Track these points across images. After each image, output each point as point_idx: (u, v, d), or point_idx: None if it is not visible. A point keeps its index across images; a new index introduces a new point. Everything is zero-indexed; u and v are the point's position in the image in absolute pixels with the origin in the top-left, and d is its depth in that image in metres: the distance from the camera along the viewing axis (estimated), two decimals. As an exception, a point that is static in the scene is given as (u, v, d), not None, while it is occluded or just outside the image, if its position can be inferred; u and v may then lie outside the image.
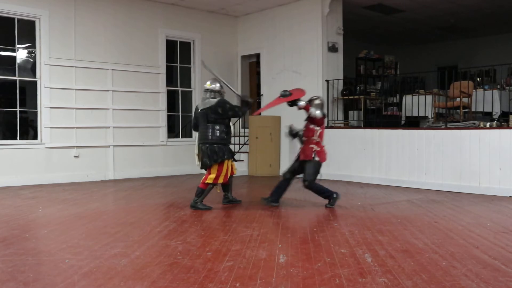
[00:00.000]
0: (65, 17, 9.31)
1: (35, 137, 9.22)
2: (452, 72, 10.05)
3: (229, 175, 6.33)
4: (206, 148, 6.18)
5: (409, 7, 11.15)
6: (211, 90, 6.36)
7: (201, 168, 6.37)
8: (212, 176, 6.17)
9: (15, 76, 9.11)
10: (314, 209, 6.34)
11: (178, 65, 11.13)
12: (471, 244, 4.39)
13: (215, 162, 6.15)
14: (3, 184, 8.48)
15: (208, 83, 6.42)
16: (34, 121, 9.35)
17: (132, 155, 10.07)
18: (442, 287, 3.24)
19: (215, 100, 6.26)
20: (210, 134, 6.21)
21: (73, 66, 9.37)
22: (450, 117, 9.11)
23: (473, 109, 9.17)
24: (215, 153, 6.15)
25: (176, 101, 11.27)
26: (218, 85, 6.38)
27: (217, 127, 6.21)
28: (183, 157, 10.80)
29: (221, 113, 6.18)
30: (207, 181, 6.18)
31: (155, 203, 6.85)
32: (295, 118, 10.52)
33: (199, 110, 6.34)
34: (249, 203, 6.81)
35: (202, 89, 6.38)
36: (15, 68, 9.17)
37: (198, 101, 6.40)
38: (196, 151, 6.43)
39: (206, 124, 6.24)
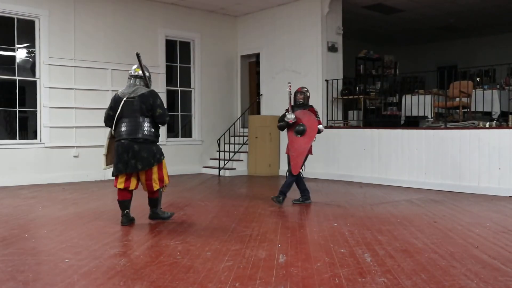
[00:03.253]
0: (65, 17, 9.31)
1: (34, 137, 9.20)
2: (452, 72, 10.05)
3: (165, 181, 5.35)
4: (139, 148, 5.02)
5: (409, 7, 11.15)
6: (141, 77, 5.26)
7: (116, 174, 5.13)
8: (156, 179, 5.18)
9: (14, 75, 9.10)
10: (314, 209, 6.34)
11: (178, 64, 11.14)
12: (471, 244, 4.39)
13: (155, 164, 5.11)
14: (3, 184, 8.48)
15: (136, 67, 5.29)
16: (34, 120, 9.33)
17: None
18: (441, 287, 3.24)
19: (148, 89, 5.21)
20: (144, 129, 5.07)
21: (72, 66, 9.37)
22: (450, 117, 9.12)
23: (472, 109, 9.17)
24: (153, 154, 5.09)
25: (176, 100, 11.27)
26: (147, 73, 5.31)
27: (150, 121, 5.14)
28: (182, 157, 10.81)
29: (151, 105, 5.09)
30: (156, 188, 5.21)
31: (155, 203, 6.84)
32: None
33: (125, 99, 5.11)
34: (248, 203, 6.80)
35: (127, 75, 5.33)
36: (15, 67, 9.17)
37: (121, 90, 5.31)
38: (104, 151, 5.38)
39: (135, 117, 5.07)
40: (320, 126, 6.50)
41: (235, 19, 11.88)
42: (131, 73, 5.32)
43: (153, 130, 5.16)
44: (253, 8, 11.09)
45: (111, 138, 5.33)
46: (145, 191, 5.31)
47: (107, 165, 5.42)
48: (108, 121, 5.28)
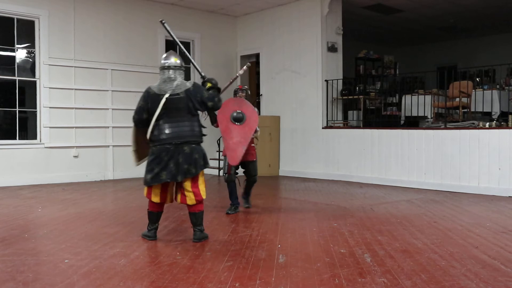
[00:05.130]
0: (65, 17, 9.30)
1: (34, 137, 9.21)
2: (452, 72, 10.05)
3: None
4: (190, 150, 4.39)
5: (409, 7, 11.15)
6: (179, 68, 4.58)
7: (154, 183, 4.42)
8: (203, 188, 4.53)
9: (14, 76, 9.10)
10: (313, 209, 6.34)
11: (178, 65, 11.11)
12: (471, 244, 4.39)
13: (206, 166, 4.56)
14: (2, 184, 8.48)
15: (174, 58, 4.56)
16: (33, 120, 9.33)
17: (131, 155, 10.03)
18: (441, 287, 3.24)
19: (190, 82, 4.55)
20: (194, 130, 4.48)
21: (72, 66, 9.37)
22: (450, 117, 9.12)
23: (472, 109, 9.18)
24: (203, 156, 4.51)
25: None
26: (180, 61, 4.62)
27: (198, 119, 4.57)
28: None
29: (201, 101, 4.46)
30: (203, 197, 4.51)
31: (155, 203, 6.84)
32: (295, 118, 10.55)
33: (166, 97, 4.39)
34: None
35: (160, 65, 4.56)
36: (15, 68, 9.16)
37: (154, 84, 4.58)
38: (134, 146, 4.71)
39: (181, 117, 4.43)
40: (257, 129, 5.97)
41: (235, 19, 11.88)
42: (167, 64, 4.52)
43: (201, 129, 4.56)
44: (253, 8, 11.08)
45: (138, 135, 4.64)
46: (183, 203, 4.49)
47: (139, 160, 4.76)
48: (142, 125, 4.52)
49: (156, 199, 4.50)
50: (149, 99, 4.44)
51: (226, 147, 5.72)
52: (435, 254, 4.04)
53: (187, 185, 4.42)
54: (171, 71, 4.50)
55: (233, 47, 11.94)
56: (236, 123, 5.77)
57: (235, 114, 5.78)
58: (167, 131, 4.38)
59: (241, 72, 5.87)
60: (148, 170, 4.42)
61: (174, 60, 4.54)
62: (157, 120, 4.39)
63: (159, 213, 4.62)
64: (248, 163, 6.08)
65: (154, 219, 4.59)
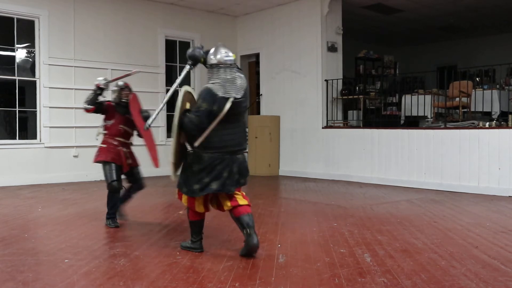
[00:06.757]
0: (65, 16, 9.30)
1: (34, 137, 9.21)
2: (452, 72, 10.05)
3: None
4: (243, 158, 4.06)
5: (408, 7, 11.15)
6: (237, 67, 4.05)
7: (203, 194, 3.93)
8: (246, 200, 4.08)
9: (14, 75, 9.10)
10: (313, 209, 6.34)
11: (178, 64, 11.13)
12: (471, 244, 4.39)
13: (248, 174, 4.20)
14: (2, 184, 8.47)
15: (231, 52, 3.98)
16: (33, 120, 9.33)
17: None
18: (441, 287, 3.24)
19: (245, 80, 4.02)
20: (246, 134, 4.16)
21: (72, 66, 9.37)
22: (450, 117, 9.12)
23: (472, 109, 9.18)
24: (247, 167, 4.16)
25: (176, 101, 11.24)
26: None
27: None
28: (182, 157, 10.79)
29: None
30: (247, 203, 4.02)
31: (155, 203, 6.85)
32: (295, 118, 10.55)
33: (237, 99, 3.86)
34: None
35: (221, 61, 3.90)
36: (15, 67, 9.17)
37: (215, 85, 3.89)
38: (173, 159, 3.98)
39: (238, 121, 4.01)
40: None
41: (234, 19, 11.88)
42: (229, 60, 3.94)
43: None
44: (253, 8, 11.08)
45: (179, 143, 4.01)
46: (235, 205, 4.00)
47: (176, 171, 4.10)
48: (199, 129, 3.85)
49: (200, 208, 4.03)
50: (216, 103, 3.81)
51: (149, 147, 5.15)
52: (435, 254, 4.04)
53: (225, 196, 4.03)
54: (234, 69, 3.94)
55: (233, 47, 11.92)
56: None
57: (145, 113, 5.21)
58: (225, 138, 3.88)
59: (133, 73, 5.47)
60: (197, 179, 3.89)
61: (233, 56, 3.97)
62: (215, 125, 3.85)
63: (203, 221, 4.15)
64: (133, 168, 5.37)
65: (198, 228, 4.11)
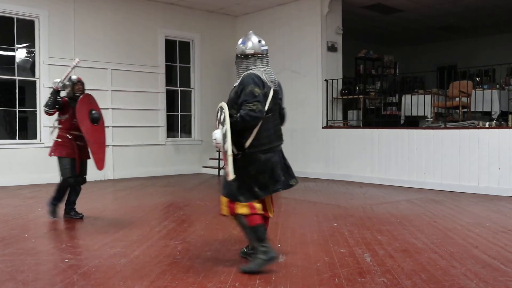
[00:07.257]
0: (64, 16, 9.30)
1: (34, 136, 9.21)
2: (452, 71, 10.05)
3: None
4: (283, 155, 3.77)
5: (408, 7, 11.15)
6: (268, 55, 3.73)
7: (259, 197, 3.61)
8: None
9: (14, 75, 9.10)
10: (313, 209, 6.34)
11: (178, 64, 11.13)
12: (470, 244, 4.39)
13: None
14: (2, 184, 8.47)
15: (262, 41, 3.80)
16: (33, 120, 9.33)
17: (131, 155, 10.05)
18: (441, 287, 3.24)
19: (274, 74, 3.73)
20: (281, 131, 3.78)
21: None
22: (449, 116, 9.12)
23: (472, 109, 9.18)
24: None
25: (176, 100, 11.27)
26: None
27: None
28: (182, 157, 10.80)
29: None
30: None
31: (155, 203, 6.85)
32: (295, 118, 10.54)
33: (274, 88, 3.63)
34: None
35: (257, 51, 3.71)
36: (14, 67, 9.16)
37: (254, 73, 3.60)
38: (231, 157, 3.38)
39: (277, 112, 3.71)
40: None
41: (234, 19, 11.88)
42: (265, 50, 3.73)
43: None
44: (253, 8, 11.08)
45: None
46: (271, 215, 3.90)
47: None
48: (261, 113, 3.44)
49: (260, 209, 3.62)
50: (265, 88, 3.50)
51: (92, 150, 5.31)
52: (435, 254, 4.04)
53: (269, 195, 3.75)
54: (268, 59, 3.69)
55: (233, 47, 11.77)
56: (94, 124, 5.34)
57: (94, 114, 5.33)
58: (270, 133, 3.57)
59: (76, 63, 5.43)
60: (257, 182, 3.55)
61: (264, 43, 3.72)
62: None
63: (264, 225, 3.73)
64: (83, 162, 5.54)
65: (264, 231, 3.62)
